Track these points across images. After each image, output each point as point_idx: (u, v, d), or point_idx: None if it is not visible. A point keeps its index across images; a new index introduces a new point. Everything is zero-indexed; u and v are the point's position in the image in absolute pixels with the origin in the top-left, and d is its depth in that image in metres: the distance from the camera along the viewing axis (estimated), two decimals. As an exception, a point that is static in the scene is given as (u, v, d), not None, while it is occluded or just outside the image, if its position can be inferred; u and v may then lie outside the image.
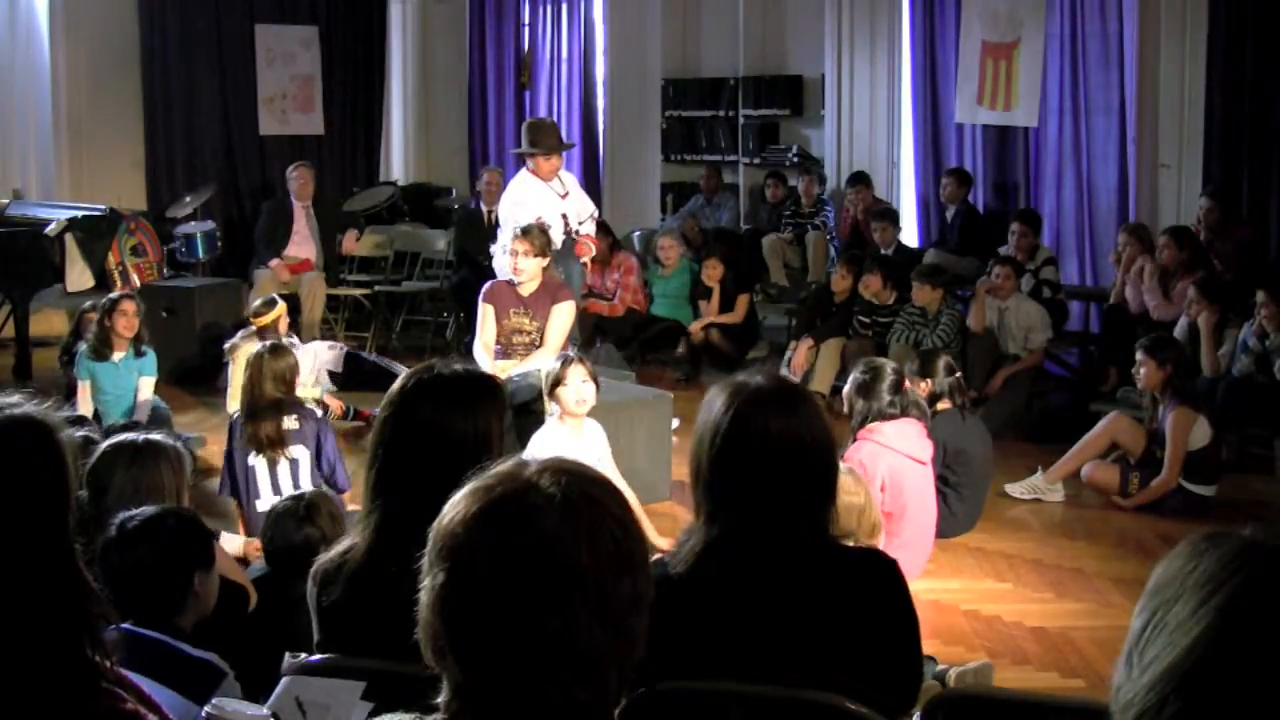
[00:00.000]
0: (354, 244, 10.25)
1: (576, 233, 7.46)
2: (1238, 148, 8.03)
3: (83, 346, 6.79)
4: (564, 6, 12.16)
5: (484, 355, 6.42)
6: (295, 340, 7.30)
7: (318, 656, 2.37)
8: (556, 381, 5.25)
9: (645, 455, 6.15)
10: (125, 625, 2.59)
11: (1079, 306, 8.92)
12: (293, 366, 5.47)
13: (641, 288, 9.48)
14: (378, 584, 2.32)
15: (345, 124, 12.24)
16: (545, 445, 5.18)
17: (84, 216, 8.83)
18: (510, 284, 6.54)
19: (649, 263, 9.77)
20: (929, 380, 5.78)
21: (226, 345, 7.16)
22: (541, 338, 6.46)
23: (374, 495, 2.43)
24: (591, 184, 11.28)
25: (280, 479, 5.19)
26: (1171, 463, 6.10)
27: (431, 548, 1.39)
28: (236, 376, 6.91)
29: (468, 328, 8.67)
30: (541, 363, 5.91)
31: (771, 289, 9.97)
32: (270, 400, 5.26)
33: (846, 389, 5.38)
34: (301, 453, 5.27)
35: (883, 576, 2.35)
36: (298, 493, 4.15)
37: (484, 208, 9.83)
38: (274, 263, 9.51)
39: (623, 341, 9.23)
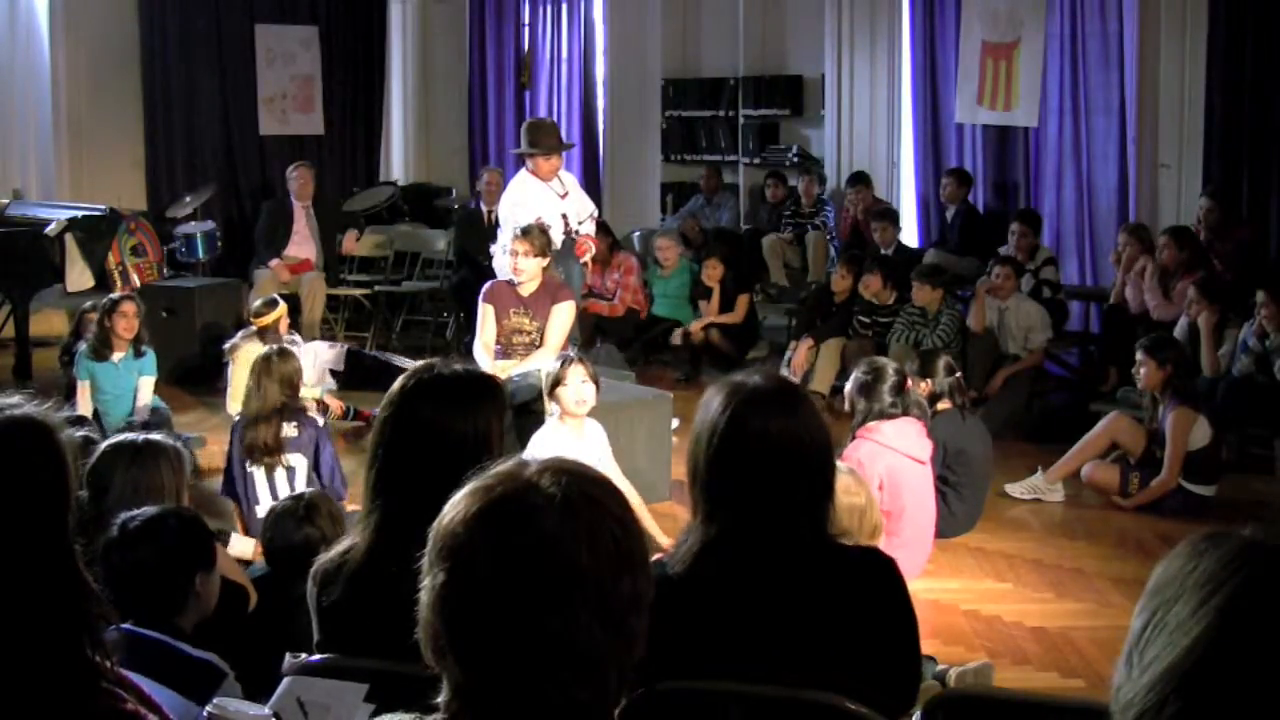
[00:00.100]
0: (354, 244, 10.25)
1: (576, 232, 7.46)
2: (1238, 148, 8.03)
3: (83, 346, 6.79)
4: (564, 6, 12.16)
5: (484, 355, 6.42)
6: (296, 339, 7.30)
7: (318, 656, 2.37)
8: (556, 382, 5.25)
9: (645, 455, 6.15)
10: (125, 625, 2.59)
11: (1079, 306, 8.92)
12: (298, 370, 5.48)
13: (641, 288, 9.48)
14: (378, 584, 2.32)
15: (345, 124, 12.24)
16: (545, 445, 5.18)
17: (84, 216, 8.83)
18: (510, 284, 6.54)
19: (649, 263, 9.77)
20: (929, 380, 5.78)
21: (226, 345, 7.15)
22: (541, 338, 6.46)
23: (374, 495, 2.43)
24: (591, 184, 11.28)
25: (278, 485, 5.19)
26: (1171, 463, 6.10)
27: (431, 548, 1.39)
28: (236, 376, 6.91)
29: (468, 328, 8.67)
30: (541, 363, 5.91)
31: (771, 289, 9.97)
32: (274, 405, 5.24)
33: (848, 388, 5.38)
34: (299, 460, 5.25)
35: (881, 575, 2.35)
36: (297, 493, 4.15)
37: (484, 208, 9.83)
38: (274, 263, 9.51)
39: (623, 342, 9.23)
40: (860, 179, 9.97)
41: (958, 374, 5.92)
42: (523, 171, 7.53)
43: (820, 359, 8.25)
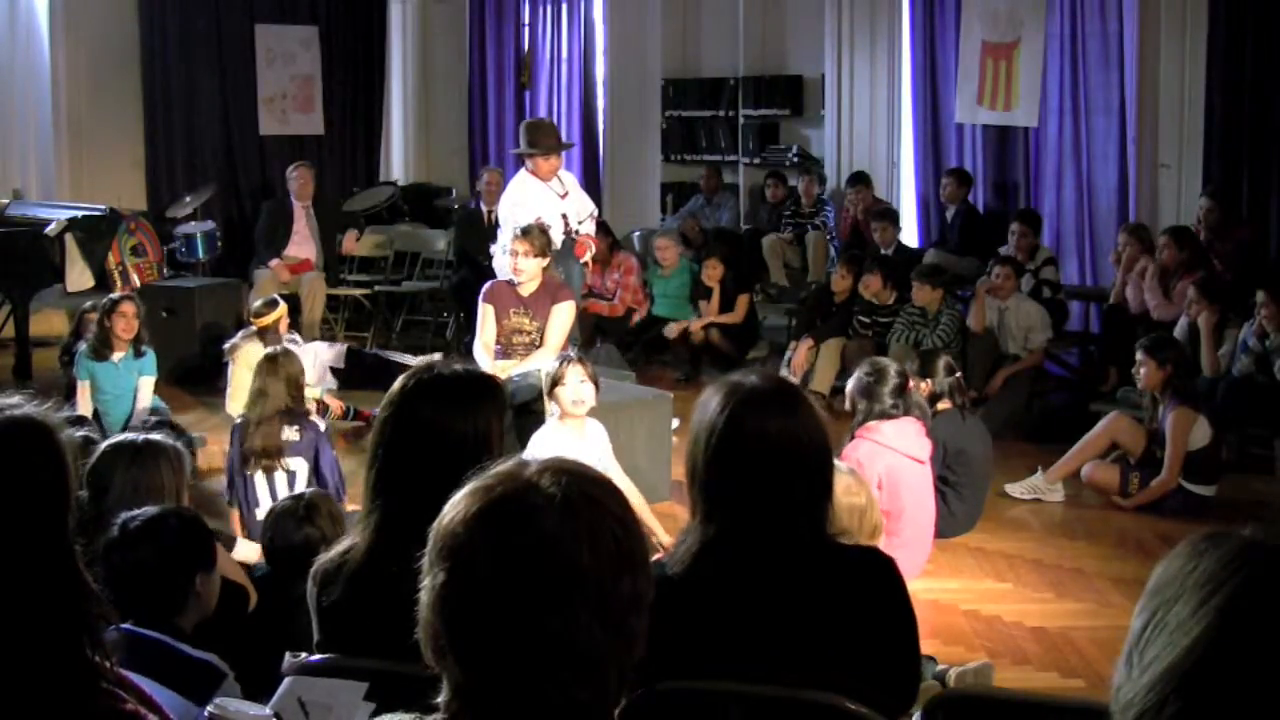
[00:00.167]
0: (354, 244, 10.26)
1: (576, 232, 7.46)
2: (1238, 148, 8.03)
3: (82, 346, 6.79)
4: (564, 6, 12.16)
5: (484, 355, 6.43)
6: (296, 338, 7.30)
7: (318, 656, 2.37)
8: (555, 381, 5.26)
9: (645, 455, 6.15)
10: (125, 625, 2.59)
11: (1079, 306, 8.92)
12: (302, 370, 5.46)
13: (641, 288, 9.48)
14: (378, 584, 2.32)
15: (345, 124, 12.24)
16: (545, 445, 5.18)
17: (84, 216, 8.83)
18: (510, 284, 6.54)
19: (649, 263, 9.77)
20: (929, 380, 5.78)
21: (226, 345, 7.15)
22: (541, 338, 6.46)
23: (374, 495, 2.43)
24: (591, 184, 11.28)
25: (277, 489, 5.16)
26: (1171, 463, 6.10)
27: (432, 548, 1.39)
28: (236, 376, 6.91)
29: (468, 328, 8.67)
30: (541, 363, 5.91)
31: (771, 289, 9.97)
32: (280, 407, 5.22)
33: (850, 388, 5.38)
34: (300, 465, 5.23)
35: (880, 575, 2.35)
36: (297, 493, 4.15)
37: (484, 208, 9.83)
38: (274, 263, 9.51)
39: (624, 344, 9.23)
40: (860, 179, 9.97)
41: (958, 374, 5.92)
42: (522, 171, 7.53)
43: (820, 359, 8.25)
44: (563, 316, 6.49)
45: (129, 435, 3.69)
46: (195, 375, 8.39)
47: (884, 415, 5.17)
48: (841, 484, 3.81)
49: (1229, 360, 6.92)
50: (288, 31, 11.80)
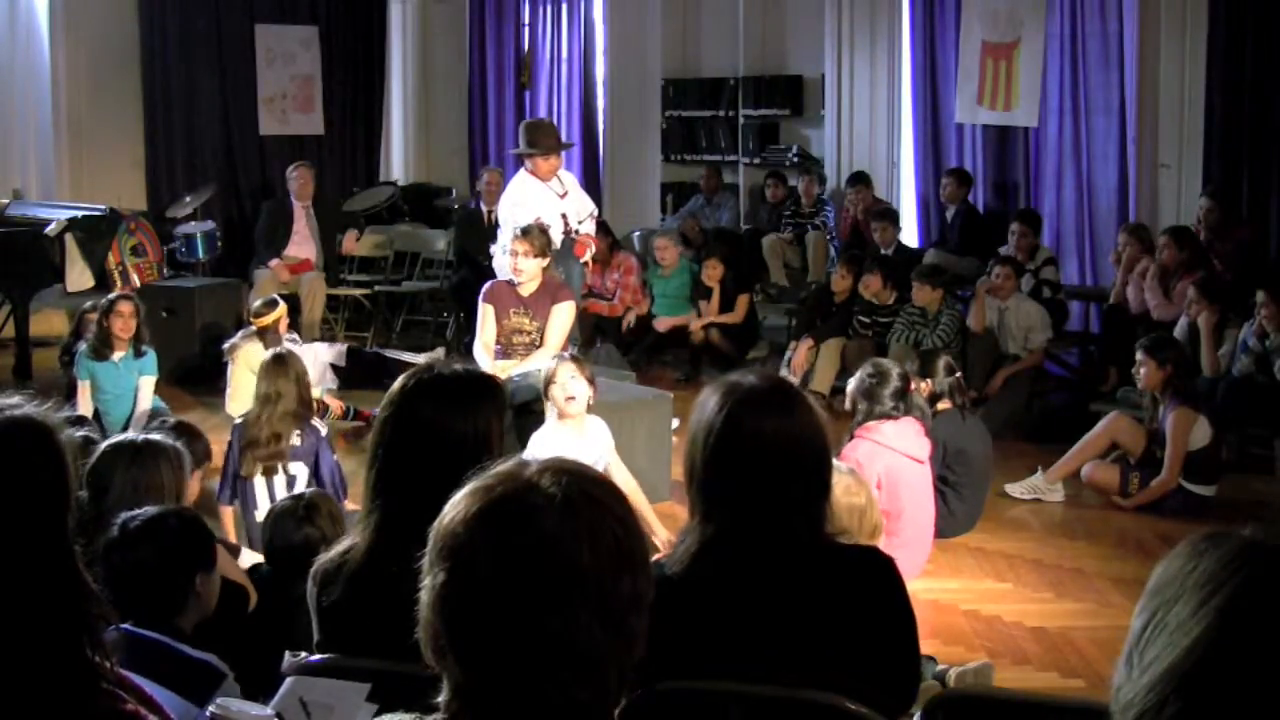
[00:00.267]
0: (354, 244, 10.26)
1: (576, 232, 7.46)
2: (1238, 148, 8.03)
3: (83, 346, 6.79)
4: (564, 6, 12.16)
5: (484, 355, 6.43)
6: (296, 338, 7.30)
7: (318, 656, 2.37)
8: (548, 381, 5.27)
9: (645, 455, 6.15)
10: (125, 626, 2.59)
11: (1079, 306, 8.92)
12: (306, 369, 5.45)
13: (641, 288, 9.48)
14: (378, 584, 2.32)
15: (345, 124, 12.24)
16: (543, 445, 5.19)
17: (84, 216, 8.83)
18: (510, 284, 6.54)
19: (649, 263, 9.77)
20: (929, 380, 5.78)
21: (226, 345, 7.15)
22: (541, 338, 6.46)
23: (374, 495, 2.43)
24: (591, 184, 11.28)
25: (276, 492, 5.13)
26: (1171, 463, 6.10)
27: (432, 548, 1.39)
28: (236, 376, 6.91)
29: (468, 328, 8.68)
30: (541, 363, 5.91)
31: (771, 289, 9.97)
32: (290, 409, 5.16)
33: (851, 389, 5.39)
34: (300, 469, 5.20)
35: (880, 575, 2.35)
36: (297, 493, 4.14)
37: (484, 208, 9.83)
38: (274, 263, 9.51)
39: (624, 344, 9.23)
40: (860, 179, 9.97)
41: (958, 374, 5.93)
42: (522, 171, 7.53)
43: (820, 359, 8.25)
44: (563, 316, 6.50)
45: (129, 435, 3.69)
46: (195, 375, 8.39)
47: (884, 416, 5.18)
48: (841, 484, 3.81)
49: (1229, 360, 6.92)
50: (288, 31, 11.80)
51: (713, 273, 9.11)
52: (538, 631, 1.33)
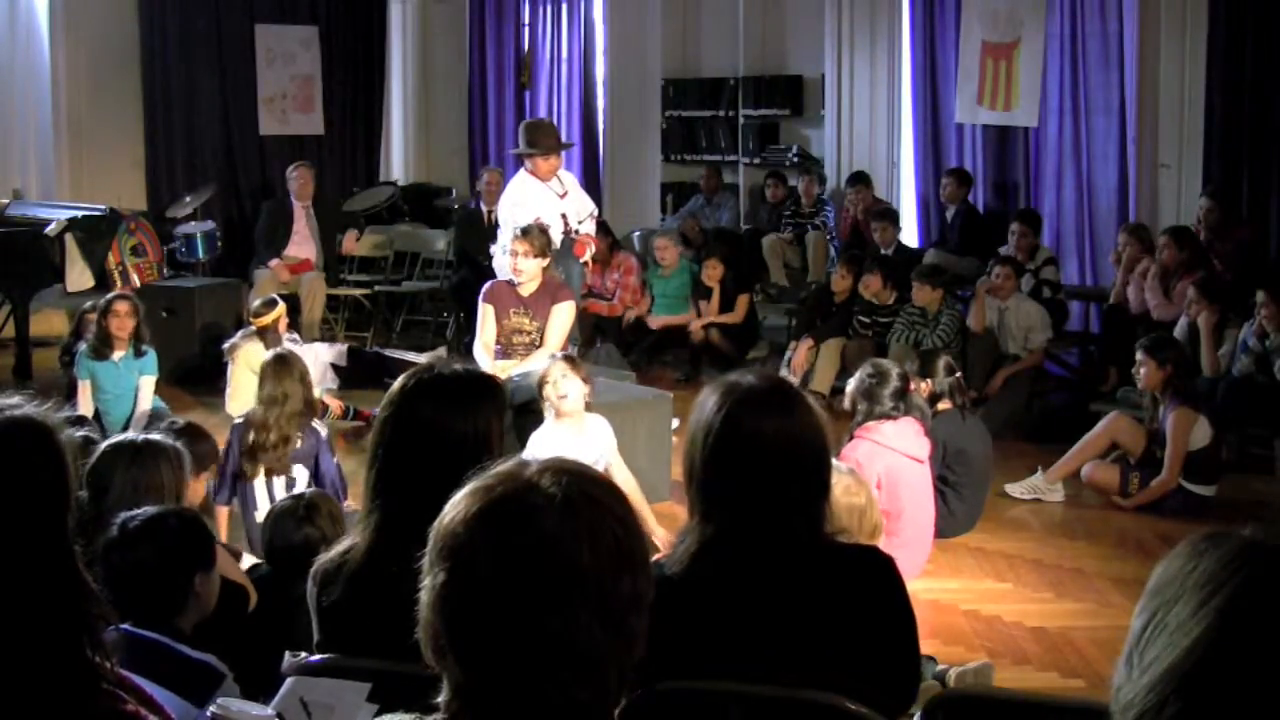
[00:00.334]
0: (354, 244, 10.26)
1: (576, 232, 7.46)
2: (1238, 148, 8.03)
3: (83, 346, 6.79)
4: (564, 6, 12.16)
5: (484, 355, 6.43)
6: (296, 338, 7.30)
7: (318, 656, 2.37)
8: (542, 382, 5.29)
9: (645, 455, 6.15)
10: (125, 626, 2.59)
11: (1079, 306, 8.92)
12: (307, 369, 5.44)
13: (641, 288, 9.48)
14: (378, 584, 2.32)
15: (345, 124, 12.24)
16: (541, 445, 5.19)
17: (84, 216, 8.83)
18: (510, 284, 6.54)
19: (649, 263, 9.77)
20: (929, 380, 5.78)
21: (226, 345, 7.16)
22: (541, 338, 6.46)
23: (374, 495, 2.43)
24: (591, 184, 11.28)
25: (276, 493, 5.12)
26: (1171, 463, 6.10)
27: (432, 547, 1.39)
28: (236, 376, 6.92)
29: (468, 328, 8.68)
30: (541, 363, 5.91)
31: (771, 289, 9.97)
32: (297, 409, 5.15)
33: (850, 389, 5.39)
34: (300, 472, 5.19)
35: (879, 574, 2.35)
36: (297, 493, 4.14)
37: (484, 208, 9.83)
38: (274, 263, 9.51)
39: (625, 346, 9.23)
40: (860, 179, 9.97)
41: (958, 374, 5.93)
42: (522, 171, 7.53)
43: (820, 359, 8.25)
44: (562, 316, 6.50)
45: (129, 435, 3.69)
46: (195, 375, 8.39)
47: (884, 416, 5.18)
48: (841, 484, 3.81)
49: (1229, 360, 6.92)
50: (288, 31, 11.80)
51: (713, 273, 9.11)
52: (538, 631, 1.33)
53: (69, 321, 8.28)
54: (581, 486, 1.39)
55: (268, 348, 6.35)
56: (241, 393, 6.65)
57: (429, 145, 13.15)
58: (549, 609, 1.33)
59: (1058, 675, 4.42)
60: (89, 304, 7.25)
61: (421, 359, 6.59)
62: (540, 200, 7.30)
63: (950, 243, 9.33)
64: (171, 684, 2.38)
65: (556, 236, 7.17)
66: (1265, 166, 7.98)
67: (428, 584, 1.38)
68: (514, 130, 10.09)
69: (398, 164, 12.93)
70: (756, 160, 11.07)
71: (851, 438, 5.21)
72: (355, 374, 8.25)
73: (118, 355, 6.63)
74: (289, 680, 2.26)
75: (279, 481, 5.18)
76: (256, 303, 7.24)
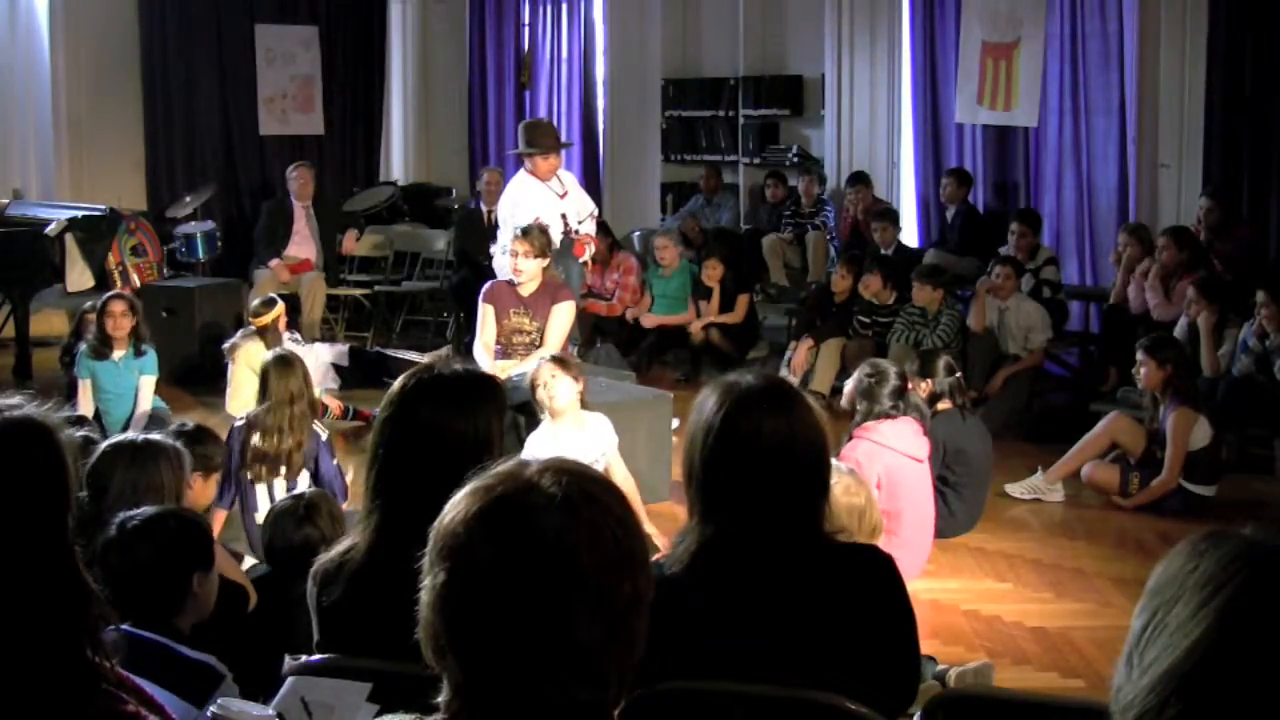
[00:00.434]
0: (354, 244, 10.26)
1: (576, 232, 7.46)
2: (1238, 148, 8.03)
3: (83, 346, 6.79)
4: (564, 6, 12.16)
5: (484, 355, 6.43)
6: (297, 337, 7.30)
7: (318, 656, 2.37)
8: (533, 385, 5.30)
9: (645, 455, 6.15)
10: (125, 626, 2.59)
11: (1079, 306, 8.92)
12: (307, 369, 5.44)
13: (641, 288, 9.48)
14: (378, 584, 2.32)
15: (345, 124, 12.24)
16: (540, 444, 5.20)
17: (84, 216, 8.83)
18: (510, 284, 6.54)
19: (649, 263, 9.77)
20: (929, 380, 5.78)
21: (226, 345, 7.16)
22: (541, 338, 6.46)
23: (374, 495, 2.43)
24: (591, 184, 11.28)
25: (276, 495, 5.09)
26: (1172, 463, 6.10)
27: (432, 547, 1.39)
28: (236, 376, 6.92)
29: (468, 328, 8.68)
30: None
31: (771, 289, 9.97)
32: (303, 409, 5.16)
33: (849, 389, 5.39)
34: (301, 473, 5.21)
35: (879, 573, 2.35)
36: (297, 493, 4.14)
37: (484, 208, 9.83)
38: (274, 263, 9.51)
39: (625, 346, 9.23)
40: (860, 179, 9.97)
41: (958, 374, 5.93)
42: (521, 171, 7.53)
43: (820, 359, 8.25)
44: (562, 316, 6.50)
45: (129, 435, 3.68)
46: (195, 375, 8.40)
47: (883, 416, 5.18)
48: (841, 484, 3.81)
49: (1229, 360, 6.92)
50: (288, 31, 11.80)
51: (713, 273, 9.11)
52: (538, 631, 1.33)
53: (69, 321, 8.28)
54: (582, 486, 1.39)
55: (268, 347, 6.36)
56: (241, 392, 6.65)
57: (429, 145, 13.15)
58: (549, 609, 1.33)
59: (1058, 675, 4.42)
60: (89, 304, 7.25)
61: (423, 359, 6.59)
62: (540, 200, 7.30)
63: (950, 243, 9.33)
64: (171, 684, 2.38)
65: (556, 236, 7.17)
66: (1265, 166, 7.98)
67: (428, 584, 1.38)
68: (514, 130, 10.09)
69: (398, 164, 12.93)
70: (756, 160, 11.07)
71: (851, 437, 5.21)
72: (355, 375, 8.26)
73: (118, 355, 6.63)
74: (289, 680, 2.26)
75: (279, 483, 5.17)
76: (255, 302, 7.24)
